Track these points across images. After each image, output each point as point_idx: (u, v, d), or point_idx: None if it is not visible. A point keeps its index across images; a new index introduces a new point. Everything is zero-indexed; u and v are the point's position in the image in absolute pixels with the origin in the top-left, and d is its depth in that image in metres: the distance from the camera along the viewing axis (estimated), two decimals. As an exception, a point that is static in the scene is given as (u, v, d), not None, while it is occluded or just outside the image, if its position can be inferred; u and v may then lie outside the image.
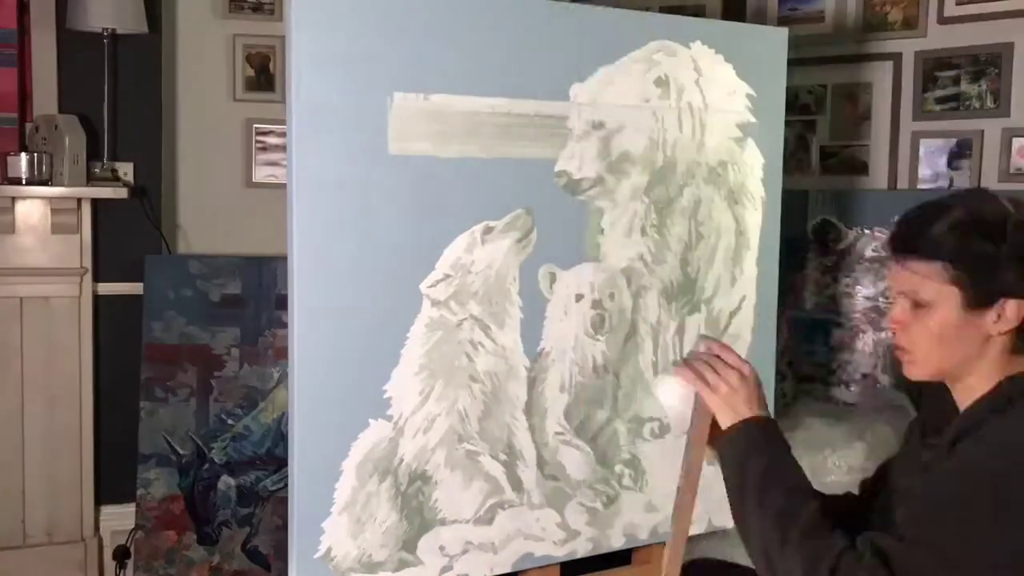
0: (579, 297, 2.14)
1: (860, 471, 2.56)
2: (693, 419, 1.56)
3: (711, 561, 2.21)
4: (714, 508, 2.39)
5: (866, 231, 3.17)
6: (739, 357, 1.58)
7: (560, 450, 2.15)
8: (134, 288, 3.22)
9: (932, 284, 1.42)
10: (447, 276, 1.97)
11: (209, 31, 3.44)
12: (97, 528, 3.27)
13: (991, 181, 3.02)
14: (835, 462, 2.62)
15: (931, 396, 1.56)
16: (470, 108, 1.97)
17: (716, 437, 1.55)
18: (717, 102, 2.29)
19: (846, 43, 3.33)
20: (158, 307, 3.16)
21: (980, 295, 1.41)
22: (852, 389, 3.16)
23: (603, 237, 2.16)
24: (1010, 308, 1.40)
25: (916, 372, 1.49)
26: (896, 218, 1.51)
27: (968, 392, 1.46)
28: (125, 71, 3.22)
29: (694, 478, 1.57)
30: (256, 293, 3.23)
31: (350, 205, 1.86)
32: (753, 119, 2.35)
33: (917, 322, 1.45)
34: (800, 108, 3.40)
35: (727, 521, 2.40)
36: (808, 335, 3.26)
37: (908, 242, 1.46)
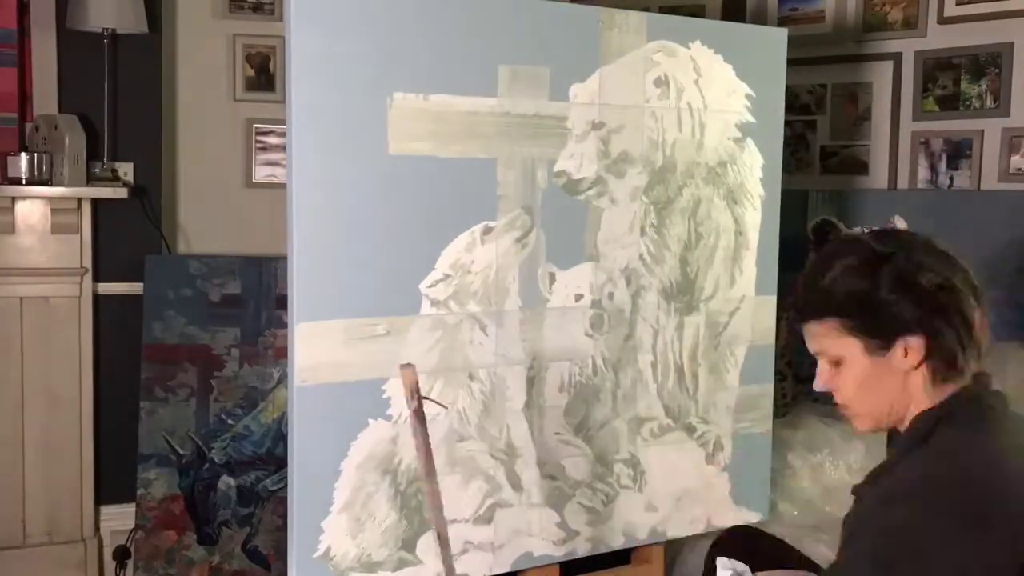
0: (578, 297, 2.14)
1: (859, 471, 2.56)
2: None
3: (742, 529, 2.20)
4: (714, 509, 2.39)
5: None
6: None
7: (559, 450, 2.15)
8: (134, 288, 3.22)
9: (834, 340, 1.43)
10: (447, 276, 1.97)
11: (209, 31, 3.44)
12: (97, 528, 3.27)
13: (991, 181, 3.02)
14: (834, 462, 2.61)
15: None
16: (469, 108, 1.97)
17: None
18: (716, 102, 2.29)
19: (846, 43, 3.33)
20: (158, 307, 3.16)
21: (878, 339, 1.40)
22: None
23: (602, 237, 2.16)
24: (912, 343, 1.39)
25: (861, 426, 1.49)
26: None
27: None
28: (125, 71, 3.22)
29: None
30: (256, 293, 3.23)
31: (350, 205, 1.86)
32: (752, 119, 2.35)
33: (839, 379, 1.45)
34: (800, 108, 3.40)
35: (725, 521, 2.40)
36: (808, 335, 3.25)
37: (803, 307, 1.48)
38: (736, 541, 2.00)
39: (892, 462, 1.43)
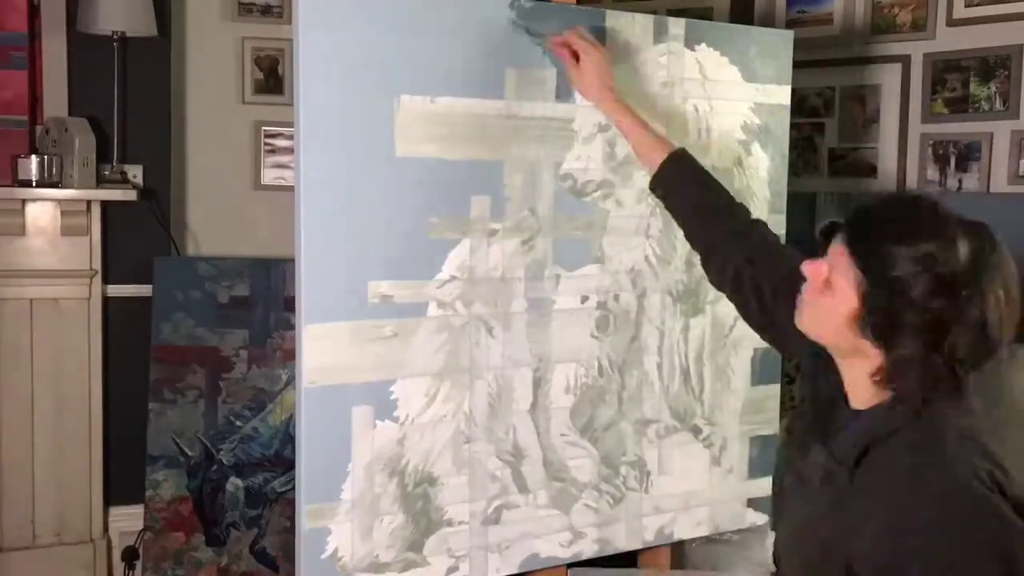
0: (584, 298, 2.14)
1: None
2: None
3: None
4: (720, 511, 2.39)
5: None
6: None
7: (565, 451, 2.15)
8: (143, 290, 3.23)
9: (844, 264, 1.35)
10: (453, 278, 1.98)
11: (218, 34, 3.45)
12: (106, 529, 3.28)
13: (1000, 184, 3.01)
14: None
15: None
16: (476, 110, 1.98)
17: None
18: (723, 104, 2.29)
19: (854, 45, 3.32)
20: (167, 309, 3.18)
21: (875, 303, 1.32)
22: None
23: (608, 239, 2.16)
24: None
25: (802, 326, 1.46)
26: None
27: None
28: (135, 74, 3.24)
29: None
30: (264, 295, 3.24)
31: (357, 207, 1.86)
32: (759, 121, 2.35)
33: (818, 295, 1.40)
34: (808, 110, 3.40)
35: (732, 523, 2.40)
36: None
37: (855, 223, 1.39)
38: None
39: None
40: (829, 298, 1.38)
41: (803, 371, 1.64)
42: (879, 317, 1.32)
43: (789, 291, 1.55)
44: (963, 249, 1.32)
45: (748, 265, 1.82)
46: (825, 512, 1.38)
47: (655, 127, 2.03)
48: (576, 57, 2.00)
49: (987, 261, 1.33)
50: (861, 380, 1.39)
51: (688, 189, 1.96)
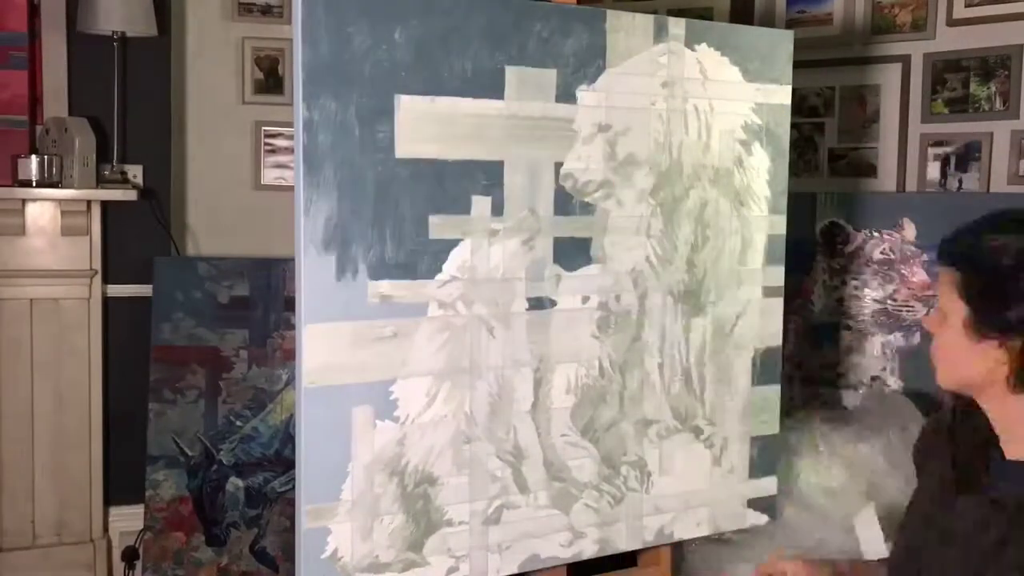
0: (585, 299, 2.14)
1: (866, 472, 2.55)
2: None
3: None
4: (721, 511, 2.39)
5: (875, 233, 3.17)
6: None
7: (566, 451, 2.15)
8: (143, 290, 3.23)
9: (947, 293, 1.42)
10: (454, 278, 1.98)
11: (218, 34, 3.45)
12: (106, 529, 3.28)
13: (1000, 184, 3.01)
14: (839, 464, 2.61)
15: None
16: (477, 111, 1.98)
17: None
18: (723, 104, 2.29)
19: (854, 45, 3.33)
20: (167, 309, 3.18)
21: (983, 320, 1.37)
22: (860, 392, 3.15)
23: (609, 239, 2.16)
24: (1012, 343, 1.36)
25: (941, 382, 1.47)
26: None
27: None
28: (135, 74, 3.24)
29: None
30: (264, 295, 3.25)
31: (357, 207, 1.86)
32: (759, 121, 2.35)
33: (940, 331, 1.44)
34: (808, 110, 3.40)
35: (733, 524, 2.40)
36: (816, 338, 3.25)
37: (950, 248, 1.46)
38: None
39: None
40: (948, 327, 1.41)
41: (931, 428, 1.62)
42: (982, 305, 1.34)
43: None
44: None
45: None
46: (989, 553, 1.36)
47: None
48: None
49: None
50: (1009, 415, 1.39)
51: None
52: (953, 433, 1.51)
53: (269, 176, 3.52)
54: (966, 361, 1.40)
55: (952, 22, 3.10)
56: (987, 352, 1.37)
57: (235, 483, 3.20)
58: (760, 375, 2.40)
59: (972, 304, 1.37)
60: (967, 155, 3.08)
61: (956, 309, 1.39)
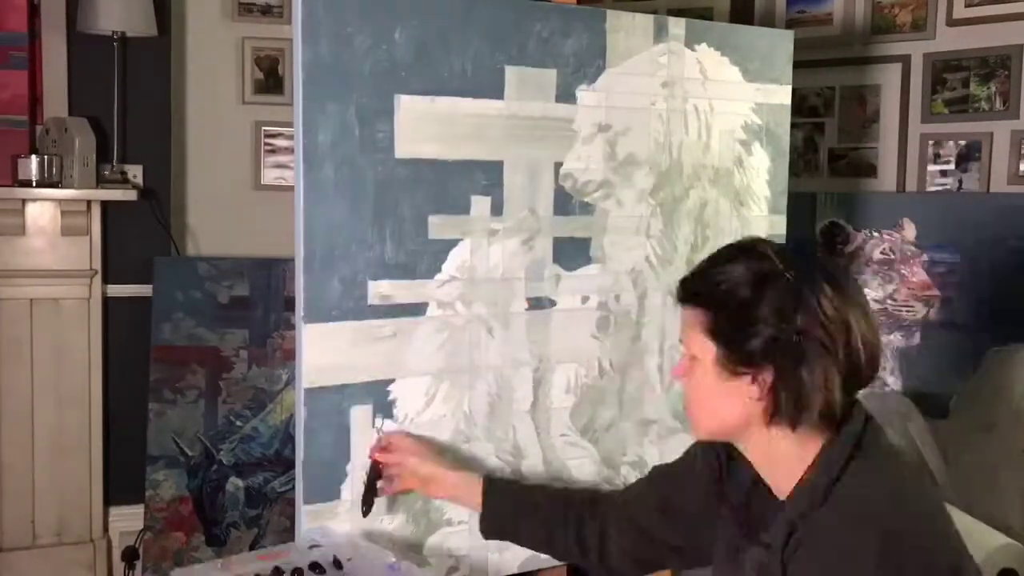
0: (585, 299, 2.14)
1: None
2: None
3: None
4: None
5: (875, 233, 3.17)
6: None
7: (566, 451, 2.15)
8: (143, 290, 3.23)
9: (695, 335, 1.38)
10: (453, 278, 1.98)
11: (218, 34, 3.45)
12: (106, 529, 3.28)
13: (1000, 184, 3.01)
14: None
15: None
16: (476, 111, 1.98)
17: None
18: (723, 104, 2.29)
19: (854, 45, 3.33)
20: (167, 309, 3.18)
21: (733, 357, 1.34)
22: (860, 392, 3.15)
23: (609, 239, 2.16)
24: (764, 375, 1.32)
25: (695, 432, 1.45)
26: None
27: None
28: (135, 74, 3.24)
29: None
30: (264, 295, 3.25)
31: (357, 207, 1.86)
32: (759, 121, 2.35)
33: (690, 377, 1.40)
34: (808, 110, 3.40)
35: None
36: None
37: (686, 286, 1.42)
38: None
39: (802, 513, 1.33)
40: (698, 370, 1.39)
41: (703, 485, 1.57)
42: (731, 338, 1.33)
43: (667, 506, 1.61)
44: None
45: (631, 522, 1.68)
46: None
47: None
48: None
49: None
50: (772, 453, 1.37)
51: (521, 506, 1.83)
52: (724, 491, 1.49)
53: (269, 176, 3.51)
54: (723, 402, 1.36)
55: (952, 22, 3.10)
56: (741, 389, 1.34)
57: (235, 483, 3.20)
58: (760, 375, 2.40)
59: (721, 340, 1.34)
60: (967, 155, 3.08)
61: (706, 349, 1.36)
